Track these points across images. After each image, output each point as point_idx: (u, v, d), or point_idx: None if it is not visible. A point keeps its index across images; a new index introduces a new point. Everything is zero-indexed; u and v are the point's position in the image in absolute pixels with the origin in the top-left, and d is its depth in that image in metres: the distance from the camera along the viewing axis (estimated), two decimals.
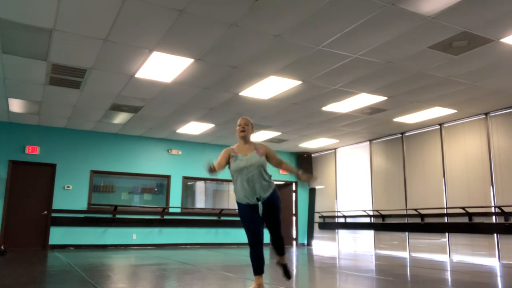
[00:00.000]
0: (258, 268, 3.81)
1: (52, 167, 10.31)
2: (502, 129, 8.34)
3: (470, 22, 4.81)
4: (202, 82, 6.98)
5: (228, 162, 3.96)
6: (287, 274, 4.14)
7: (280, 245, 4.11)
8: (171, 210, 11.47)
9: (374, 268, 7.07)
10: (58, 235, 10.05)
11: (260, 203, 3.81)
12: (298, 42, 5.39)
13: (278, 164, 4.11)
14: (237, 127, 4.06)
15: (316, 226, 13.07)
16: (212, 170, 3.66)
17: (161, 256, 8.23)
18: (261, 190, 3.82)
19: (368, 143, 11.57)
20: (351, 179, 12.06)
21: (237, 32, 5.13)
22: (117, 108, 8.58)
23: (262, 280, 3.80)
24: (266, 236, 12.39)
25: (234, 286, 4.49)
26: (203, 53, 5.76)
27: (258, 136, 11.06)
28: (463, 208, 8.55)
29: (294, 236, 13.35)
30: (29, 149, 10.07)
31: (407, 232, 10.03)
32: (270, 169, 4.00)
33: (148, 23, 4.92)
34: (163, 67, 6.29)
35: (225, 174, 4.15)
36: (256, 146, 4.01)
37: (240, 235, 11.93)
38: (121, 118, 9.42)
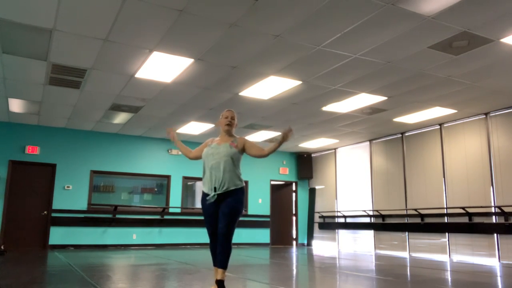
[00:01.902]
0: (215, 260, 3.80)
1: (52, 167, 10.31)
2: (502, 129, 8.34)
3: (470, 22, 4.81)
4: (202, 82, 6.98)
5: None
6: None
7: (222, 254, 3.60)
8: (171, 210, 11.47)
9: (374, 268, 7.07)
10: (58, 235, 10.05)
11: (214, 194, 3.66)
12: (298, 42, 5.39)
13: (260, 151, 3.80)
14: (223, 119, 3.89)
15: (316, 226, 13.07)
16: (170, 132, 3.89)
17: (161, 256, 8.23)
18: (221, 181, 3.65)
19: (368, 143, 11.57)
20: (351, 179, 12.06)
21: (237, 32, 5.13)
22: (117, 108, 8.58)
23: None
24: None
25: (234, 286, 4.49)
26: (203, 53, 5.76)
27: (258, 136, 11.06)
28: (463, 208, 8.55)
29: (294, 236, 13.35)
30: (29, 149, 10.07)
31: (407, 232, 10.03)
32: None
33: (148, 23, 4.92)
34: (163, 67, 6.29)
35: None
36: (234, 139, 3.87)
37: (239, 235, 11.93)
38: (121, 118, 9.42)
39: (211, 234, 3.78)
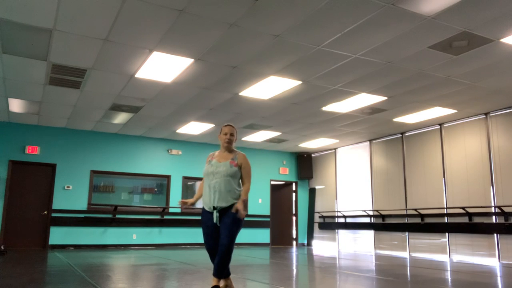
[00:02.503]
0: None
1: (52, 167, 10.31)
2: (502, 129, 8.34)
3: (470, 22, 4.81)
4: (202, 82, 6.98)
5: None
6: None
7: (219, 265, 3.57)
8: (171, 210, 11.47)
9: (374, 268, 7.07)
10: (58, 235, 10.05)
11: (215, 212, 3.65)
12: (298, 42, 5.39)
13: (246, 181, 3.80)
14: (223, 135, 3.81)
15: (316, 226, 13.08)
16: (184, 204, 3.88)
17: (161, 256, 8.23)
18: (220, 199, 3.63)
19: (368, 143, 11.57)
20: (351, 179, 12.06)
21: (237, 32, 5.13)
22: (117, 108, 8.58)
23: (225, 281, 3.76)
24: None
25: (234, 286, 4.48)
26: (203, 53, 5.76)
27: (258, 136, 11.06)
28: (463, 208, 8.55)
29: (294, 236, 13.36)
30: (29, 149, 10.07)
31: (407, 232, 10.03)
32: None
33: (148, 23, 4.92)
34: (163, 67, 6.29)
35: None
36: (234, 156, 3.79)
37: (239, 235, 11.90)
38: (121, 118, 9.42)
39: (207, 249, 3.75)
